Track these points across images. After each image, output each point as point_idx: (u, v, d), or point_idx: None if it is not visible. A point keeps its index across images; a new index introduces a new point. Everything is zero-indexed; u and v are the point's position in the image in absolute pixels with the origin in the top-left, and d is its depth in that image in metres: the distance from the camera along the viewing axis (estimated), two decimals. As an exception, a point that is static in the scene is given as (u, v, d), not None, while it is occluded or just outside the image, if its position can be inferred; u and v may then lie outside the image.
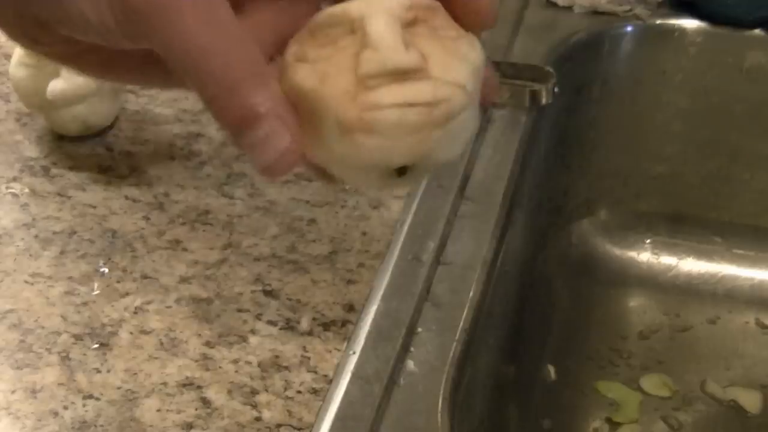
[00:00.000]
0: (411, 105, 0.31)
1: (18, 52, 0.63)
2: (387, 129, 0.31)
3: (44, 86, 0.61)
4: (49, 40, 0.33)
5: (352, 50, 0.32)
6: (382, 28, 0.32)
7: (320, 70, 0.32)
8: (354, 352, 0.49)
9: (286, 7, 0.35)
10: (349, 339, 0.50)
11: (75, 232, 0.57)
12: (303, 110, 0.32)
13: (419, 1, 0.33)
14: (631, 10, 0.81)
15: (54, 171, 0.62)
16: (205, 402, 0.47)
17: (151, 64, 0.34)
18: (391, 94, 0.31)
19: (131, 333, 0.50)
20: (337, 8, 0.33)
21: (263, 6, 0.35)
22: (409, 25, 0.33)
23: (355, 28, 0.33)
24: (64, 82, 0.61)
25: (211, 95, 0.31)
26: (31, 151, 0.64)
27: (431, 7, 0.33)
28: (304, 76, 0.32)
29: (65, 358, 0.49)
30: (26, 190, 0.60)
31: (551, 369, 0.77)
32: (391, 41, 0.32)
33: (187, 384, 0.47)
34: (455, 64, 0.32)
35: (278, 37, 0.34)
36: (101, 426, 0.45)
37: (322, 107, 0.32)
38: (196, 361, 0.49)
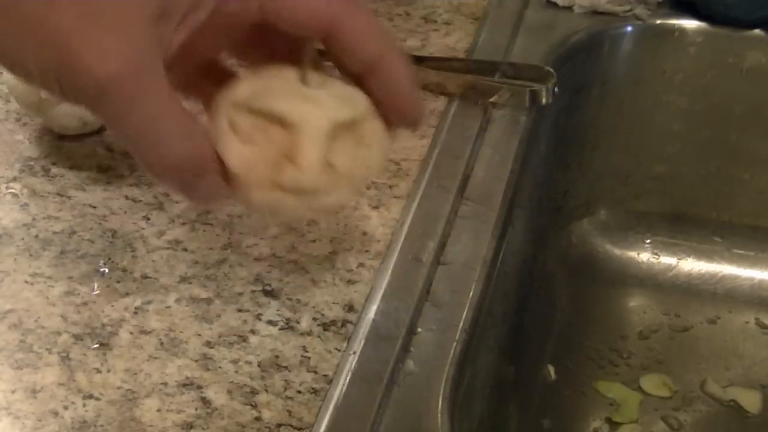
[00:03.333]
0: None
1: None
2: (282, 210, 0.42)
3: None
4: None
5: (279, 148, 0.40)
6: (311, 154, 0.40)
7: (248, 156, 0.40)
8: (354, 352, 0.49)
9: None
10: (349, 339, 0.50)
11: (75, 232, 0.57)
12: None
13: (355, 114, 0.41)
14: (631, 10, 0.81)
15: (54, 171, 0.62)
16: (205, 402, 0.47)
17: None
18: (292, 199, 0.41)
19: (131, 333, 0.50)
20: (279, 105, 0.40)
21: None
22: (341, 129, 0.41)
23: (289, 130, 0.40)
24: None
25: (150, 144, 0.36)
26: (31, 151, 0.64)
27: (366, 116, 0.42)
28: (235, 155, 0.40)
29: (65, 358, 0.49)
30: (26, 190, 0.60)
31: (551, 369, 0.77)
32: (314, 167, 0.40)
33: (187, 384, 0.47)
34: (357, 171, 0.42)
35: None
36: (101, 426, 0.45)
37: (240, 182, 0.40)
38: (196, 361, 0.49)
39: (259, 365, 0.48)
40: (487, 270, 0.56)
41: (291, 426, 0.45)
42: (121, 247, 0.56)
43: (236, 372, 0.48)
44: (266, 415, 0.46)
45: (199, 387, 0.47)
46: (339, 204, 0.43)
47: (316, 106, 0.41)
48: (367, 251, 0.56)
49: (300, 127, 0.40)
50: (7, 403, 0.46)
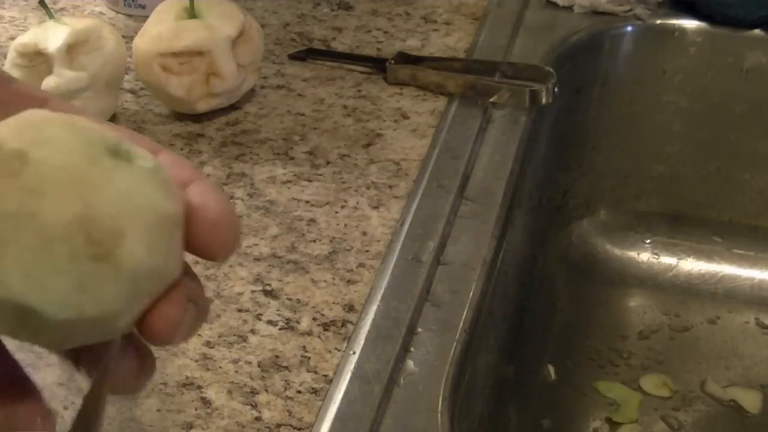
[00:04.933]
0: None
1: (11, 53, 0.62)
2: (219, 107, 0.66)
3: (38, 85, 0.61)
4: None
5: (204, 71, 0.62)
6: (226, 67, 0.62)
7: (185, 84, 0.62)
8: (354, 352, 0.49)
9: None
10: (349, 339, 0.50)
11: (75, 232, 0.57)
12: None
13: (240, 26, 0.63)
14: (631, 10, 0.81)
15: (54, 171, 0.62)
16: (205, 402, 0.47)
17: None
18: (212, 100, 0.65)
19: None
20: (192, 42, 0.61)
21: None
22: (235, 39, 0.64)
23: (204, 54, 0.61)
24: (57, 78, 0.60)
25: None
26: (31, 151, 0.64)
27: (246, 23, 0.65)
28: (175, 86, 0.62)
29: (65, 358, 0.49)
30: (26, 190, 0.60)
31: (551, 369, 0.77)
32: (232, 74, 0.63)
33: (187, 384, 0.47)
34: (256, 60, 0.67)
35: None
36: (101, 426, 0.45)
37: (186, 101, 0.63)
38: (196, 361, 0.49)
39: (259, 365, 0.48)
40: (487, 270, 0.56)
41: (291, 426, 0.45)
42: (121, 247, 0.56)
43: (236, 372, 0.48)
44: (266, 415, 0.46)
45: (199, 387, 0.47)
46: (252, 86, 0.66)
47: (215, 32, 0.61)
48: (367, 251, 0.56)
49: (212, 52, 0.61)
50: (7, 403, 0.46)
